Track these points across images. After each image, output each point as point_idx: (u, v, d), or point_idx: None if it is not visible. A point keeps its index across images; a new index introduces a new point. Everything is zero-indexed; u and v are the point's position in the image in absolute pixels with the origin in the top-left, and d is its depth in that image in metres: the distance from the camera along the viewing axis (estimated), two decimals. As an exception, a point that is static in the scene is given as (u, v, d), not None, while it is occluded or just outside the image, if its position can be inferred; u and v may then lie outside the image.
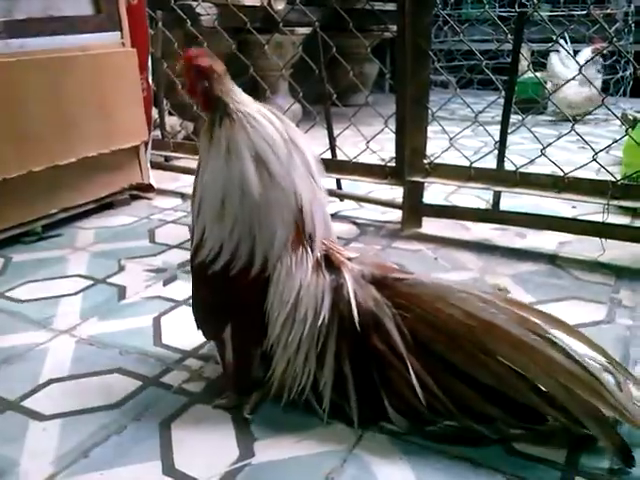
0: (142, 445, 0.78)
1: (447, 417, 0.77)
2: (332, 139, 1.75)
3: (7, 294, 1.24)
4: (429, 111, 1.52)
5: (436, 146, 1.64)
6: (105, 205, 1.75)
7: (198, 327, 0.87)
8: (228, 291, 0.80)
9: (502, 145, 1.47)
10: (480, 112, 1.58)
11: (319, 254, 0.83)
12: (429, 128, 1.54)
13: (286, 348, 0.80)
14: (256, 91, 2.71)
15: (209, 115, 0.79)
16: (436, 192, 1.79)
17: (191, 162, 2.02)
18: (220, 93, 0.77)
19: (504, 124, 1.46)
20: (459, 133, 1.59)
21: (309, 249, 0.81)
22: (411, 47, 1.44)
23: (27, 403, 0.88)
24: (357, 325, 0.78)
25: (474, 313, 0.76)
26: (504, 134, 1.47)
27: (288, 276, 0.79)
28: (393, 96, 1.58)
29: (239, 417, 0.83)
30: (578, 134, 1.41)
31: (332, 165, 1.69)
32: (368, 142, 1.65)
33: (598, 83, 2.82)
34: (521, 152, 2.03)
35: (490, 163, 1.49)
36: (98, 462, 0.76)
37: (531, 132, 1.50)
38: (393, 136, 1.57)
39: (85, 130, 1.60)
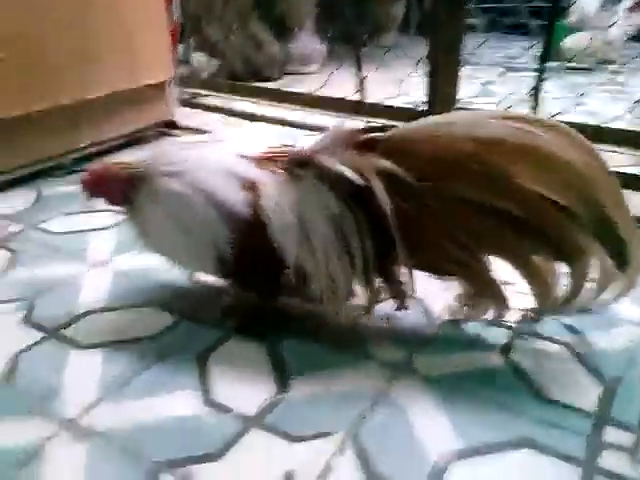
0: (181, 375, 0.81)
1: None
2: (362, 81, 1.72)
3: (40, 226, 1.26)
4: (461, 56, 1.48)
5: (465, 90, 1.59)
6: (132, 141, 1.75)
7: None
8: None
9: (537, 93, 1.44)
10: (515, 59, 1.54)
11: (281, 168, 0.83)
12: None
13: (318, 265, 0.79)
14: (283, 27, 2.65)
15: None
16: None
17: (217, 99, 2.00)
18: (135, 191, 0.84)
19: (540, 71, 1.43)
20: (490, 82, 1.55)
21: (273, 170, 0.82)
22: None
23: (67, 332, 0.90)
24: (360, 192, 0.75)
25: (468, 135, 0.70)
26: (539, 81, 1.43)
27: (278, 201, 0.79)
28: (419, 39, 1.54)
29: (274, 352, 0.85)
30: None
31: (361, 108, 1.67)
32: (400, 85, 1.62)
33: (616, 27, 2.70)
34: (552, 101, 1.99)
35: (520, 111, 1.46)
36: (140, 390, 0.78)
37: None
38: (418, 80, 1.53)
39: (111, 64, 1.58)
